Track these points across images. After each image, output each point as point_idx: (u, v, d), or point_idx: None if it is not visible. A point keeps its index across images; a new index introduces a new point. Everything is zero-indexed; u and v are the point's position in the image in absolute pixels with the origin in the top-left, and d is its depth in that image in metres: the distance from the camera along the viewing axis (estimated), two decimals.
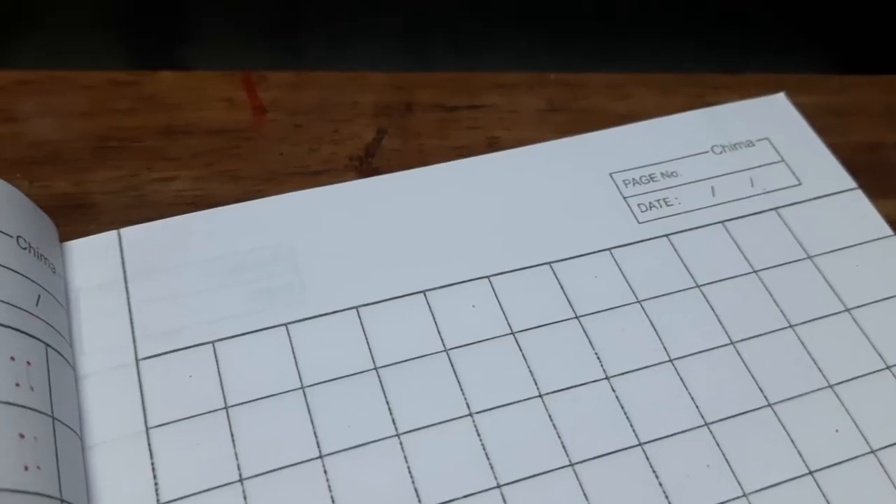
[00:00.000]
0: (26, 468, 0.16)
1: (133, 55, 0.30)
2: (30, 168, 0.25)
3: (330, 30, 0.31)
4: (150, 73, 0.28)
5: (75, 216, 0.24)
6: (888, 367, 0.21)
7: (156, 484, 0.18)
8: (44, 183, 0.24)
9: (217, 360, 0.20)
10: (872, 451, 0.20)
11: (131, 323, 0.21)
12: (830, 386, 0.21)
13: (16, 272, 0.19)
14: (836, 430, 0.20)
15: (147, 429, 0.19)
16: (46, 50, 0.32)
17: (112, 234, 0.22)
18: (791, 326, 0.22)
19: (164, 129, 0.26)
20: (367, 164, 0.26)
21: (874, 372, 0.21)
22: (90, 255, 0.22)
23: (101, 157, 0.25)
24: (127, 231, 0.22)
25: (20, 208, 0.20)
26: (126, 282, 0.21)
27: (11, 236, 0.20)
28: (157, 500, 0.18)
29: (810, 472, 0.19)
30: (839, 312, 0.22)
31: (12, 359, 0.17)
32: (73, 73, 0.27)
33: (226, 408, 0.20)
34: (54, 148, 0.25)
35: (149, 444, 0.19)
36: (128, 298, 0.21)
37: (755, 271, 0.23)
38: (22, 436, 0.17)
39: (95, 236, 0.22)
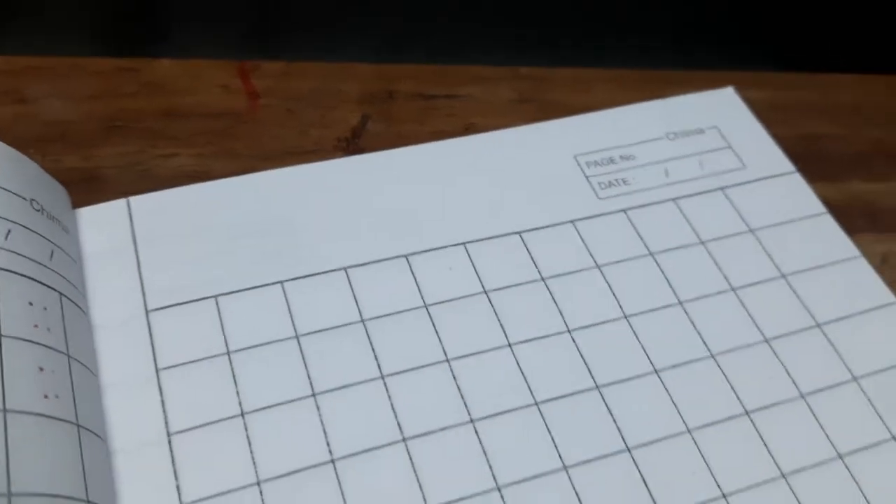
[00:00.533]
0: (46, 396, 0.18)
1: (125, 44, 0.32)
2: (42, 145, 0.27)
3: (319, 25, 0.33)
4: (150, 61, 0.30)
5: (85, 187, 0.26)
6: (818, 325, 0.24)
7: (165, 417, 0.20)
8: (55, 157, 0.27)
9: (220, 312, 0.22)
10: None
11: (141, 280, 0.23)
12: (766, 340, 0.24)
13: (29, 229, 0.21)
14: (769, 378, 0.23)
15: (157, 370, 0.21)
16: (45, 37, 0.34)
17: (122, 201, 0.24)
18: (733, 290, 0.25)
19: (164, 112, 0.29)
20: (353, 145, 0.28)
21: (806, 329, 0.24)
22: (101, 221, 0.24)
23: (108, 135, 0.28)
24: (136, 199, 0.25)
25: (33, 175, 0.22)
26: (135, 244, 0.24)
27: (25, 199, 0.22)
28: (167, 431, 0.20)
29: (747, 413, 0.22)
30: (776, 278, 0.25)
31: (30, 304, 0.20)
32: (81, 59, 0.30)
33: (228, 353, 0.22)
34: (64, 128, 0.28)
35: (159, 384, 0.21)
36: (137, 258, 0.23)
37: (702, 242, 0.26)
38: (41, 369, 0.19)
39: (106, 203, 0.24)
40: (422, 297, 0.23)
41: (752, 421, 0.22)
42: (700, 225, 0.26)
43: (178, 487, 0.19)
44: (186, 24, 0.32)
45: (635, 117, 0.29)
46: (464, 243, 0.25)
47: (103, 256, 0.23)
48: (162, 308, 0.22)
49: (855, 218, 0.28)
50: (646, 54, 0.34)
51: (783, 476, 0.21)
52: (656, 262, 0.25)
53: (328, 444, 0.20)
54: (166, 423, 0.20)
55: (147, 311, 0.22)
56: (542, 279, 0.24)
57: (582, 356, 0.23)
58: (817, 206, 0.27)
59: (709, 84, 0.31)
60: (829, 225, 0.27)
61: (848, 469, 0.21)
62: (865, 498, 0.21)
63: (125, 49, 0.32)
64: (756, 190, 0.27)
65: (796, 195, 0.28)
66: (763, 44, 0.35)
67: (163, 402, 0.21)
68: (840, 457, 0.22)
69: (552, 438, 0.21)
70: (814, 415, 0.22)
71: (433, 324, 0.23)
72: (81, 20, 0.33)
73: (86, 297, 0.22)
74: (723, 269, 0.25)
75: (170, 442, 0.20)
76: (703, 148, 0.28)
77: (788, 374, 0.23)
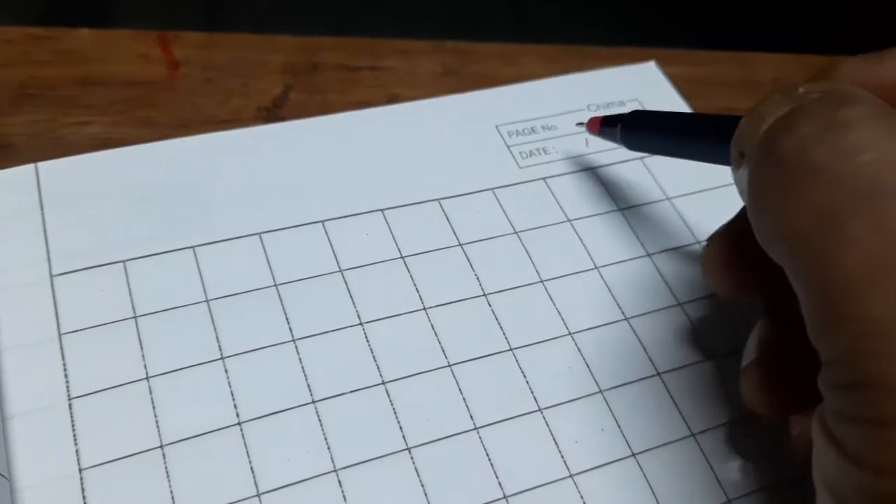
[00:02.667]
0: None
1: (53, 14, 0.31)
2: None
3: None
4: (69, 30, 0.29)
5: None
6: None
7: (67, 382, 0.20)
8: None
9: (127, 277, 0.22)
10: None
11: (46, 244, 0.22)
12: (679, 304, 0.24)
13: None
14: (680, 341, 0.23)
15: (60, 335, 0.21)
16: None
17: (29, 167, 0.24)
18: (649, 255, 0.25)
19: (80, 80, 0.28)
20: (274, 114, 0.28)
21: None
22: (7, 186, 0.23)
23: (19, 103, 0.27)
24: (44, 165, 0.24)
25: None
26: (42, 209, 0.23)
27: None
28: (68, 396, 0.20)
29: (659, 374, 0.22)
30: (691, 244, 0.26)
31: None
32: None
33: (135, 317, 0.21)
34: None
35: (61, 348, 0.20)
36: (44, 223, 0.23)
37: (619, 209, 0.26)
38: None
39: (13, 169, 0.24)
40: (337, 262, 0.23)
41: (662, 382, 0.22)
42: (617, 193, 0.26)
43: (77, 452, 0.19)
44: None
45: (557, 89, 0.29)
46: (382, 209, 0.25)
47: (8, 220, 0.23)
48: (67, 273, 0.22)
49: None
50: (571, 32, 0.34)
51: (692, 435, 0.22)
52: (574, 229, 0.25)
53: (235, 407, 0.20)
54: (67, 387, 0.20)
55: (52, 276, 0.22)
56: (460, 244, 0.24)
57: (496, 319, 0.23)
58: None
59: (632, 60, 0.32)
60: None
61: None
62: None
63: (47, 20, 0.31)
64: (674, 160, 0.28)
65: (713, 165, 0.28)
66: (686, 23, 0.36)
67: (65, 366, 0.20)
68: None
69: (464, 400, 0.21)
70: (722, 375, 0.23)
71: (347, 288, 0.23)
72: None
73: None
74: (639, 236, 0.25)
75: (70, 406, 0.20)
76: None
77: (699, 336, 0.23)
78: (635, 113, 0.24)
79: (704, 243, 0.22)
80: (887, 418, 0.12)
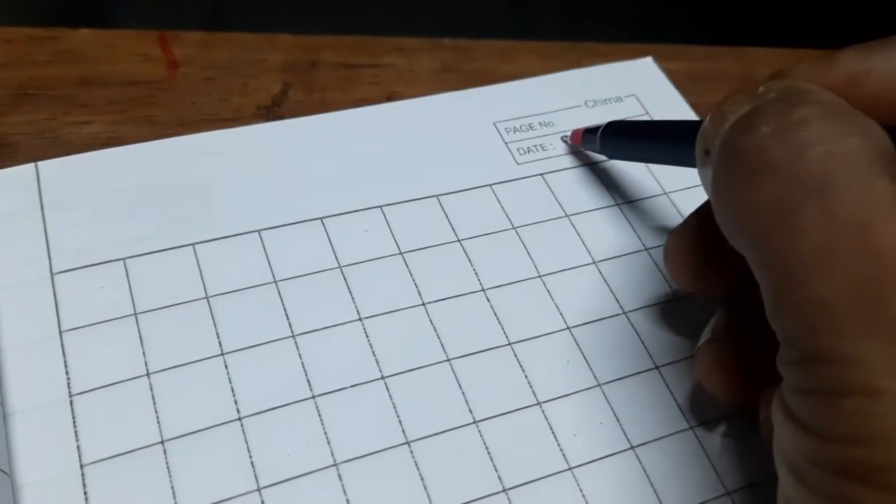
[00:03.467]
0: None
1: (52, 14, 0.31)
2: None
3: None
4: (68, 30, 0.30)
5: None
6: None
7: (68, 378, 0.20)
8: None
9: (128, 274, 0.22)
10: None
11: (47, 242, 0.22)
12: (677, 297, 0.24)
13: None
14: (680, 334, 0.23)
15: (60, 332, 0.21)
16: None
17: (30, 166, 0.24)
18: (646, 249, 0.25)
19: (80, 80, 0.28)
20: (273, 113, 0.28)
21: None
22: (8, 185, 0.23)
23: (19, 103, 0.27)
24: (44, 164, 0.24)
25: None
26: (42, 208, 0.23)
27: None
28: (69, 393, 0.20)
29: (657, 367, 0.23)
30: None
31: None
32: None
33: (135, 314, 0.21)
34: None
35: (62, 345, 0.21)
36: (44, 222, 0.23)
37: (617, 204, 0.26)
38: None
39: (13, 168, 0.24)
40: (336, 258, 0.23)
41: (661, 375, 0.22)
42: (615, 188, 0.27)
43: (78, 448, 0.19)
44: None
45: (555, 86, 0.29)
46: (380, 206, 0.25)
47: (8, 219, 0.23)
48: (68, 270, 0.22)
49: None
50: (569, 28, 0.34)
51: (691, 428, 0.22)
52: (571, 224, 0.25)
53: (236, 403, 0.20)
54: (68, 384, 0.20)
55: (52, 274, 0.22)
56: (458, 240, 0.24)
57: (495, 314, 0.23)
58: None
59: (630, 56, 0.32)
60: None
61: None
62: None
63: (47, 21, 0.31)
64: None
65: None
66: (684, 19, 0.36)
67: (66, 363, 0.20)
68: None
69: (463, 394, 0.21)
70: None
71: (347, 284, 0.23)
72: None
73: None
74: (637, 231, 0.26)
75: (71, 403, 0.20)
76: (622, 115, 0.29)
77: (698, 328, 0.24)
78: (611, 124, 0.25)
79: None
80: (837, 389, 0.14)
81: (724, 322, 0.20)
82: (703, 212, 0.20)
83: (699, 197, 0.27)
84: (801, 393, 0.15)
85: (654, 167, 0.27)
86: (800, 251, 0.14)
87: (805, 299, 0.14)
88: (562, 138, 0.28)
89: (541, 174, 0.27)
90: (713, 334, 0.20)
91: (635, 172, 0.27)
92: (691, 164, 0.18)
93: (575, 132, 0.27)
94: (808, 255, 0.14)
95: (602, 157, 0.27)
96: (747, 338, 0.19)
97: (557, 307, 0.23)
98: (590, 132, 0.26)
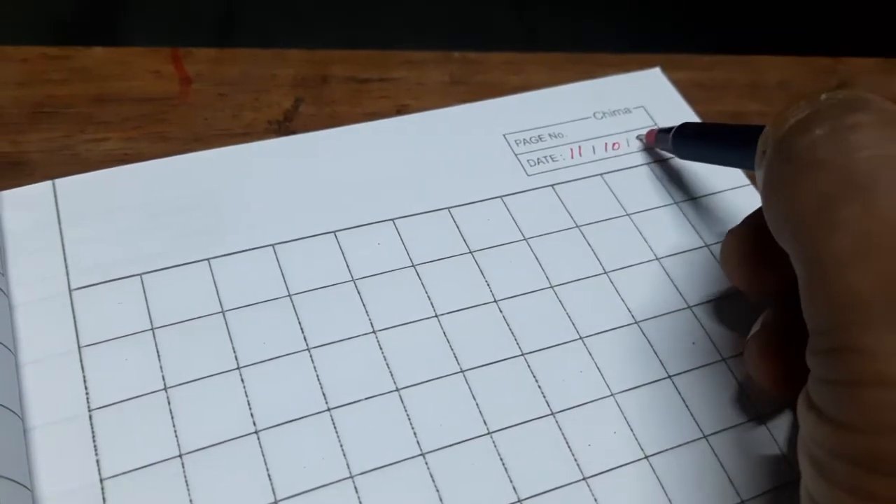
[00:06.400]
0: None
1: (64, 32, 0.32)
2: None
3: (253, 15, 0.33)
4: (83, 49, 0.30)
5: (11, 172, 0.26)
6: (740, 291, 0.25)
7: (87, 393, 0.20)
8: None
9: (144, 290, 0.22)
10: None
11: (65, 259, 0.23)
12: (689, 307, 0.24)
13: None
14: (693, 342, 0.23)
15: (79, 347, 0.21)
16: None
17: (47, 183, 0.24)
18: (657, 259, 0.25)
19: (95, 98, 0.28)
20: (284, 127, 0.28)
21: (728, 295, 0.25)
22: (26, 202, 0.24)
23: (36, 121, 0.27)
24: (62, 181, 0.24)
25: None
26: (60, 224, 0.23)
27: None
28: (88, 407, 0.20)
29: (670, 376, 0.23)
30: (699, 248, 0.26)
31: None
32: (6, 47, 0.29)
33: (152, 329, 0.22)
34: None
35: (81, 360, 0.21)
36: (61, 238, 0.23)
37: (628, 214, 0.26)
38: None
39: (31, 186, 0.24)
40: (349, 272, 0.24)
41: (674, 384, 0.23)
42: (626, 198, 0.27)
43: (97, 462, 0.19)
44: (121, 12, 0.32)
45: (564, 97, 0.30)
46: (392, 219, 0.25)
47: (27, 236, 0.23)
48: (86, 287, 0.22)
49: None
50: (576, 39, 0.35)
51: (705, 437, 0.22)
52: (582, 234, 0.25)
53: (252, 416, 0.21)
54: (87, 398, 0.20)
55: (70, 290, 0.22)
56: (470, 252, 0.25)
57: (508, 325, 0.23)
58: (741, 178, 0.28)
59: (637, 66, 0.32)
60: (752, 196, 0.28)
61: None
62: None
63: (62, 39, 0.31)
64: (681, 164, 0.28)
65: (720, 168, 0.28)
66: (691, 28, 0.36)
67: (84, 378, 0.21)
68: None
69: (477, 405, 0.21)
70: (734, 376, 0.23)
71: (360, 297, 0.23)
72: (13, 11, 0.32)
73: (7, 276, 0.22)
74: (648, 240, 0.26)
75: (90, 417, 0.20)
76: (631, 126, 0.29)
77: (710, 339, 0.24)
78: (684, 125, 0.26)
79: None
80: (863, 379, 0.14)
81: (773, 316, 0.21)
82: (758, 215, 0.21)
83: (711, 206, 0.27)
84: (825, 383, 0.15)
85: (664, 176, 0.27)
86: (838, 244, 0.15)
87: (838, 290, 0.14)
88: (637, 137, 0.29)
89: (551, 185, 0.27)
90: (762, 326, 0.21)
91: (645, 182, 0.27)
92: (752, 167, 0.19)
93: (650, 132, 0.28)
94: (845, 248, 0.14)
95: (613, 153, 0.28)
96: (793, 333, 0.19)
97: (570, 317, 0.23)
98: (663, 132, 0.27)
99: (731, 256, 0.21)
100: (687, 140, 0.26)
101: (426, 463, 0.20)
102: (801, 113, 0.17)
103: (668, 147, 0.27)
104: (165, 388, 0.21)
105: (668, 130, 0.27)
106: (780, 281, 0.19)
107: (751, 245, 0.21)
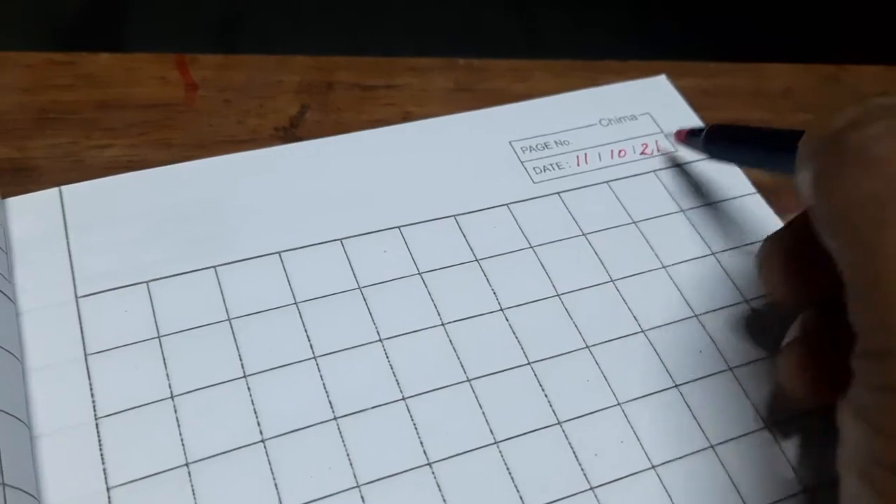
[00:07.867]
0: None
1: (68, 39, 0.32)
2: None
3: (258, 22, 0.33)
4: (88, 55, 0.30)
5: (17, 178, 0.25)
6: (746, 301, 0.25)
7: (93, 401, 0.20)
8: None
9: (151, 297, 0.22)
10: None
11: (71, 266, 0.23)
12: (696, 316, 0.24)
13: None
14: (700, 351, 0.23)
15: (86, 355, 0.21)
16: None
17: (54, 190, 0.24)
18: (664, 267, 0.25)
19: (100, 104, 0.28)
20: (290, 134, 0.28)
21: (735, 304, 0.25)
22: (32, 209, 0.24)
23: (41, 127, 0.27)
24: (68, 188, 0.24)
25: None
26: (66, 231, 0.23)
27: None
28: (95, 416, 0.20)
29: (677, 385, 0.23)
30: (705, 256, 0.26)
31: None
32: (11, 53, 0.29)
33: (159, 337, 0.22)
34: None
35: (87, 368, 0.21)
36: (68, 245, 0.23)
37: (634, 222, 0.26)
38: None
39: (37, 192, 0.24)
40: (356, 279, 0.24)
41: (681, 394, 0.23)
42: (632, 206, 0.27)
43: (104, 471, 0.19)
44: (127, 18, 0.32)
45: (570, 105, 0.30)
46: (399, 227, 0.25)
47: (33, 244, 0.23)
48: (92, 294, 0.22)
49: (784, 198, 0.28)
50: (581, 46, 0.35)
51: (712, 447, 0.22)
52: (588, 242, 0.25)
53: (259, 425, 0.20)
54: (94, 406, 0.20)
55: (77, 297, 0.22)
56: (476, 260, 0.25)
57: (514, 333, 0.23)
58: (747, 186, 0.28)
59: (643, 73, 0.32)
60: (759, 205, 0.28)
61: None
62: None
63: (67, 45, 0.31)
64: (687, 172, 0.28)
65: (726, 176, 0.28)
66: (697, 36, 0.36)
67: (91, 385, 0.21)
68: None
69: (483, 414, 0.21)
70: (741, 386, 0.23)
71: (366, 305, 0.23)
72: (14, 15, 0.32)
73: (13, 283, 0.22)
74: (654, 248, 0.26)
75: (97, 425, 0.20)
76: (636, 133, 0.29)
77: (717, 348, 0.24)
78: (715, 126, 0.27)
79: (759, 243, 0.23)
80: None
81: (809, 321, 0.21)
82: (798, 220, 0.20)
83: (718, 214, 0.27)
84: (869, 388, 0.15)
85: (671, 183, 0.27)
86: (888, 243, 0.14)
87: (887, 292, 0.14)
88: (665, 134, 0.29)
89: (557, 193, 0.27)
90: (799, 334, 0.20)
91: (651, 189, 0.27)
92: (786, 170, 0.19)
93: (679, 131, 0.28)
94: (893, 247, 0.14)
95: (619, 160, 0.28)
96: (833, 340, 0.19)
97: (576, 325, 0.23)
98: (694, 133, 0.27)
99: (772, 261, 0.21)
100: (719, 142, 0.26)
101: (433, 472, 0.20)
102: (853, 113, 0.17)
103: (699, 147, 0.27)
104: (172, 397, 0.21)
105: (698, 132, 0.27)
106: (819, 287, 0.19)
107: (791, 250, 0.20)
